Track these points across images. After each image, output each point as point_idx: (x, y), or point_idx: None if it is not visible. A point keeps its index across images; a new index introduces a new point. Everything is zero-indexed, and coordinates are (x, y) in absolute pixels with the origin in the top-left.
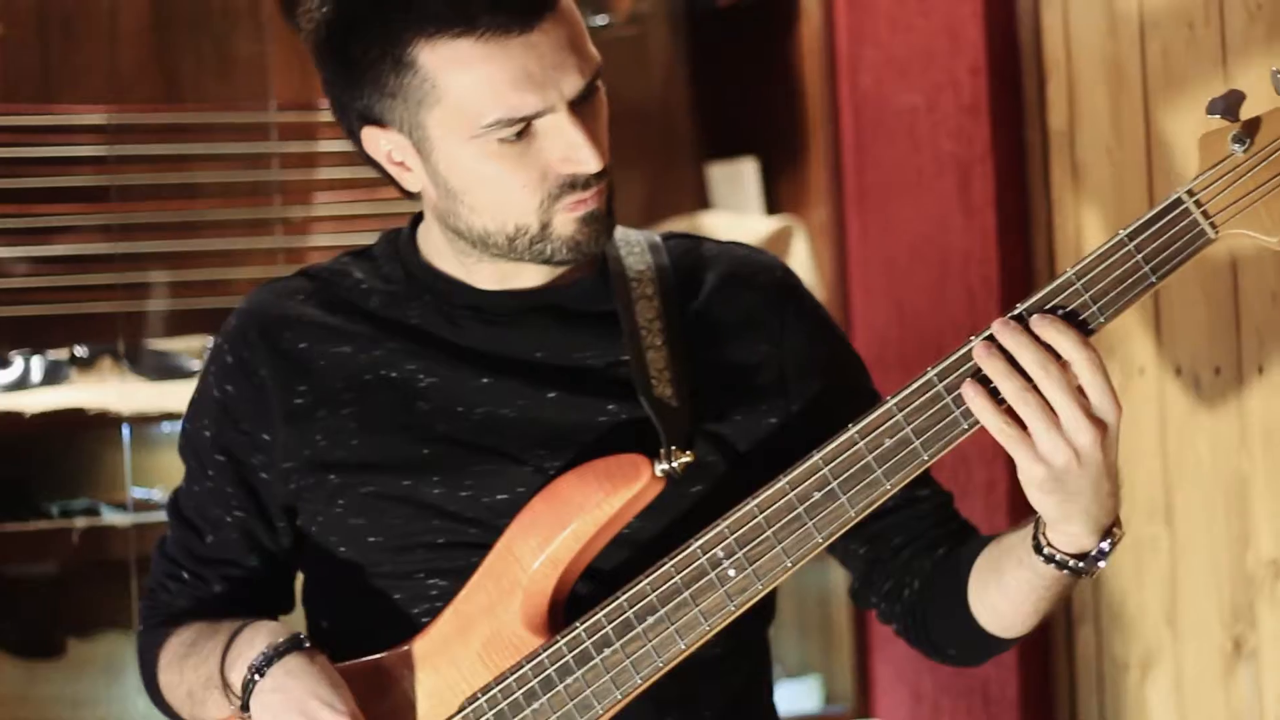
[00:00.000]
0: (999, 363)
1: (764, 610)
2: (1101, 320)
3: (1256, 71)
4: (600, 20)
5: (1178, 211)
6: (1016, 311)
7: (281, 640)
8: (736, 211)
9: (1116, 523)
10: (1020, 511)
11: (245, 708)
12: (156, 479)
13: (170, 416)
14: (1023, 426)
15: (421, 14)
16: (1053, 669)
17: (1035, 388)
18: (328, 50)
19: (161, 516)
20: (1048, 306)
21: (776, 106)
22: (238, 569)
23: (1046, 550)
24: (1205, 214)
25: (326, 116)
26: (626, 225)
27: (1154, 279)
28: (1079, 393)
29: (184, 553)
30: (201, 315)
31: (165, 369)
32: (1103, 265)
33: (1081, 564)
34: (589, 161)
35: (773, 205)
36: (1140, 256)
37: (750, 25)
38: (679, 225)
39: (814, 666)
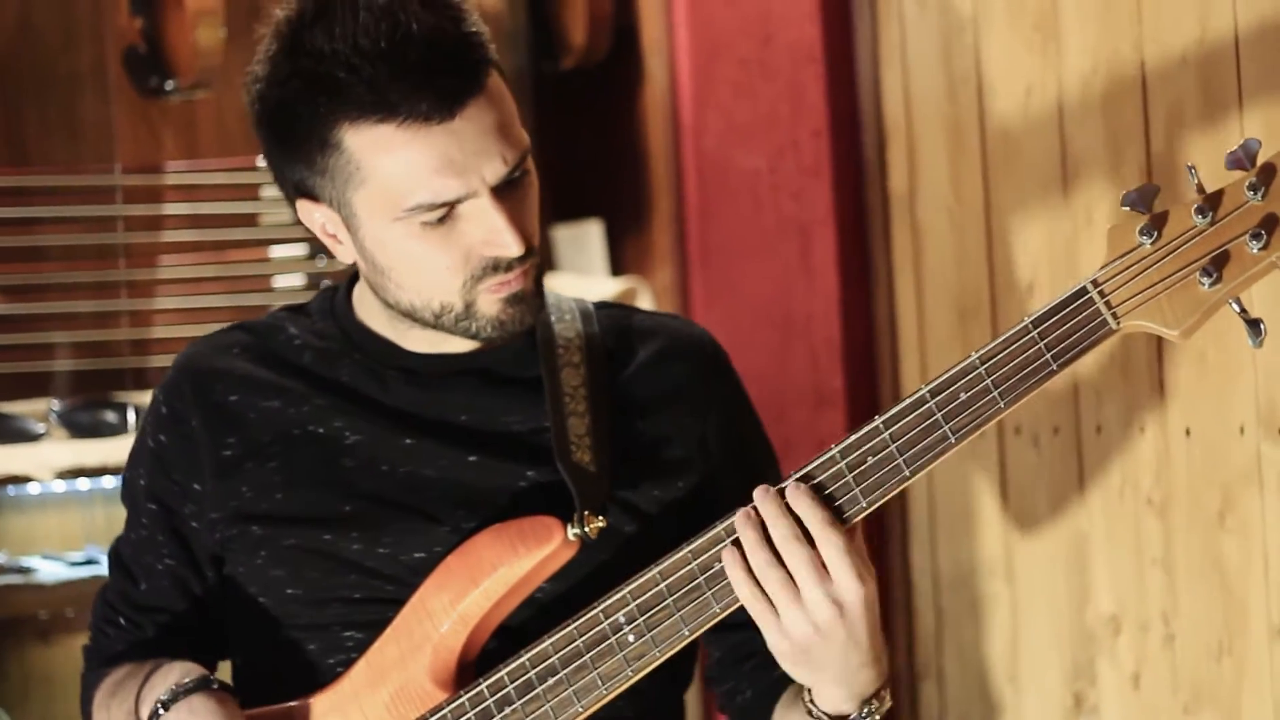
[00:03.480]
0: (753, 533)
1: (679, 675)
2: (1002, 407)
3: (1091, 135)
4: None
5: (1082, 301)
6: (922, 391)
7: (189, 679)
8: (582, 273)
9: (879, 693)
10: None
11: None
12: (1, 542)
13: (13, 480)
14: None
15: (346, 99)
16: None
17: (779, 560)
18: (262, 124)
19: (5, 580)
20: (953, 387)
21: (621, 169)
22: (170, 616)
23: (813, 710)
24: (1109, 304)
25: (172, 179)
26: None
27: (1054, 367)
28: (820, 567)
29: (121, 599)
30: (45, 378)
31: (9, 433)
32: (1006, 351)
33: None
34: (511, 246)
35: (617, 267)
36: (1043, 344)
37: (595, 88)
38: None
39: None
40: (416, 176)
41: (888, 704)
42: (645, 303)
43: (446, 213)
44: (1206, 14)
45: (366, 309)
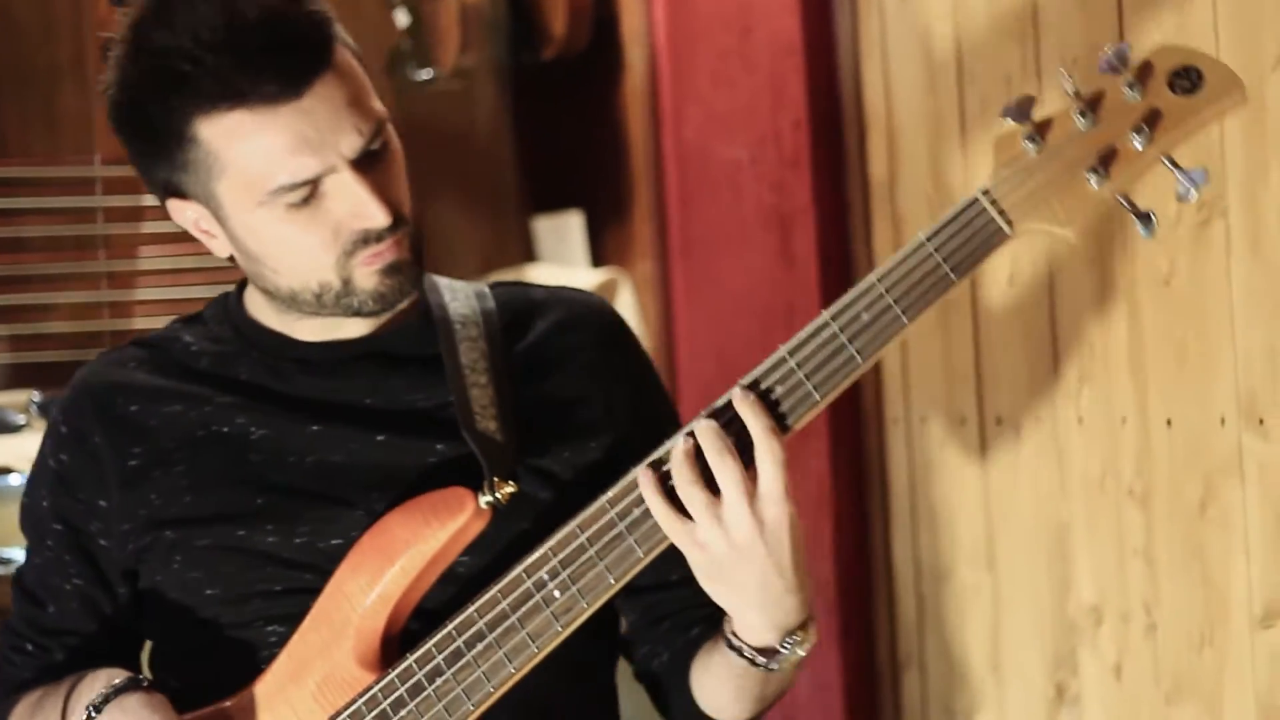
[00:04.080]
0: (680, 450)
1: (608, 649)
2: (905, 321)
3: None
4: (425, 75)
5: (974, 210)
6: (823, 318)
7: (120, 680)
8: (562, 264)
9: (804, 626)
10: (845, 560)
11: None
12: None
13: None
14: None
15: (194, 92)
16: (878, 716)
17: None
18: (123, 127)
19: None
20: (855, 308)
21: (601, 160)
22: (79, 638)
23: (733, 641)
24: (1001, 211)
25: None
26: (459, 279)
27: (954, 277)
28: (751, 485)
29: (27, 625)
30: (26, 369)
31: None
32: (904, 268)
33: (762, 658)
34: (376, 216)
35: (598, 258)
36: (940, 256)
37: (575, 79)
38: (505, 277)
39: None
40: (274, 159)
41: (813, 639)
42: (626, 293)
43: (310, 191)
44: (1185, 6)
45: (258, 307)
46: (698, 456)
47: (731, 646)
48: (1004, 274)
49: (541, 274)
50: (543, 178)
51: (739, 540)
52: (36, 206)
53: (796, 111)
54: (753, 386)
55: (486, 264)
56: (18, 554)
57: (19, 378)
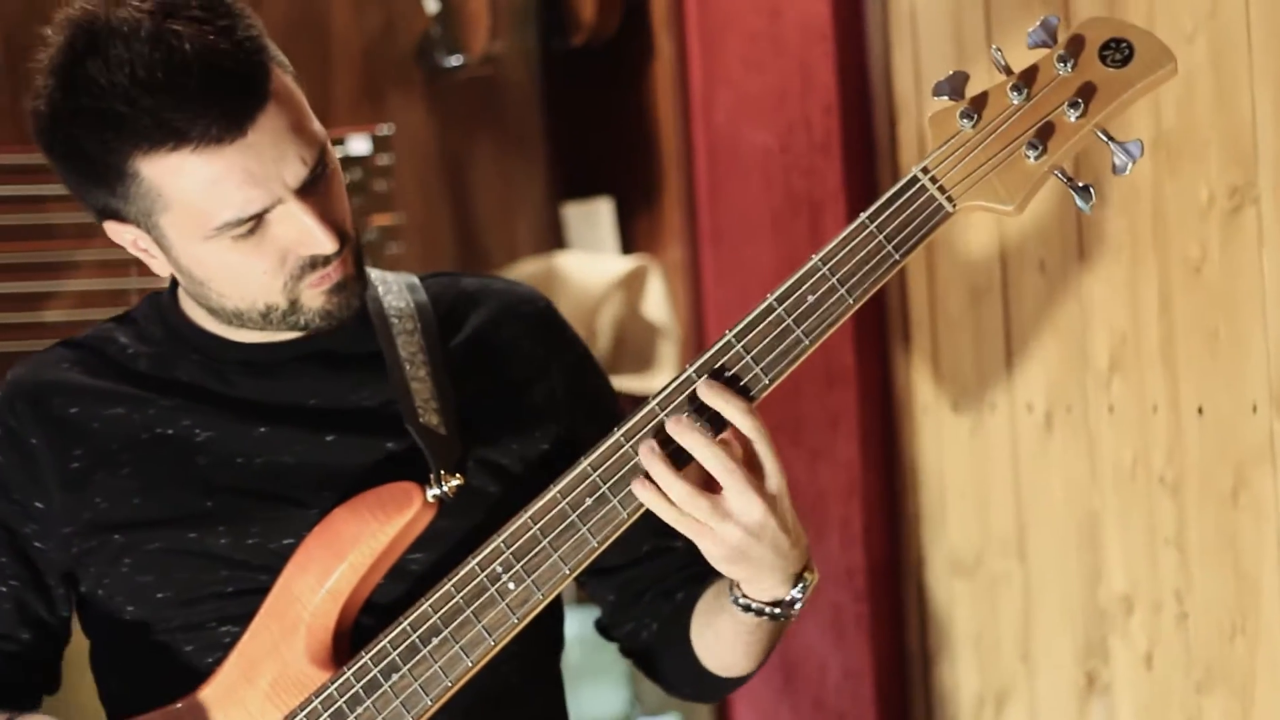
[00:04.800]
0: (661, 465)
1: (554, 641)
2: (851, 302)
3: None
4: (455, 61)
5: (915, 189)
6: (768, 302)
7: None
8: (592, 251)
9: (808, 568)
10: (875, 548)
11: None
12: None
13: None
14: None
15: (132, 132)
16: (909, 704)
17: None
18: (53, 153)
19: None
20: (799, 291)
21: (631, 146)
22: (9, 643)
23: (742, 601)
24: (941, 189)
25: None
26: (489, 266)
27: (897, 256)
28: (748, 467)
29: None
30: None
31: None
32: (847, 248)
33: (778, 610)
34: (324, 244)
35: (628, 245)
36: (883, 236)
37: (604, 65)
38: (534, 265)
39: (673, 705)
40: (219, 196)
41: (816, 576)
42: (656, 280)
43: (256, 223)
44: None
45: (194, 308)
46: (669, 449)
47: (746, 608)
48: (1035, 261)
49: (571, 261)
50: (572, 164)
51: (752, 524)
52: (65, 193)
53: (827, 97)
54: (702, 371)
55: (516, 251)
56: None
57: None
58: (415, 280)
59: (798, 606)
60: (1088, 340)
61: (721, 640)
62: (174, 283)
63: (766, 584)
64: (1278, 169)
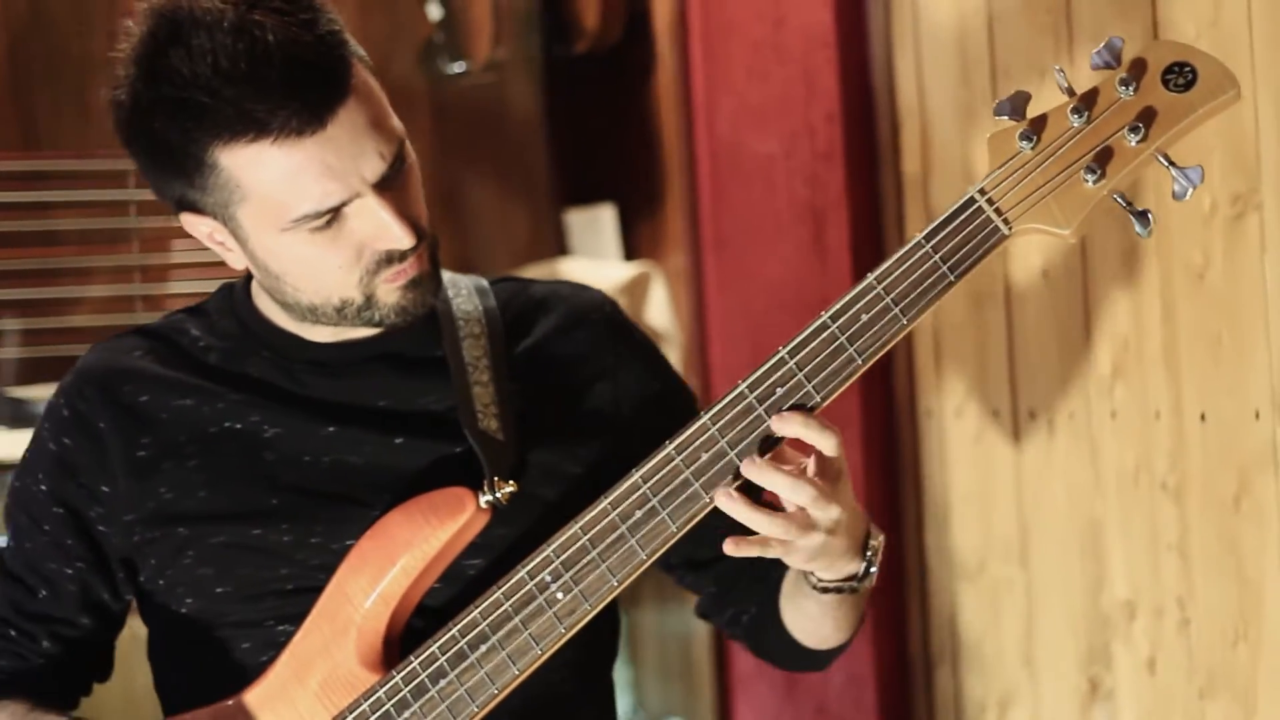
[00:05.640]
0: (741, 506)
1: (608, 649)
2: (905, 322)
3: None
4: (458, 68)
5: (971, 210)
6: (823, 318)
7: None
8: (595, 257)
9: (869, 535)
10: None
11: None
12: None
13: None
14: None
15: (214, 123)
16: (911, 710)
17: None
18: (133, 144)
19: None
20: (853, 310)
21: (634, 153)
22: (68, 627)
23: (819, 585)
24: (998, 211)
25: None
26: (491, 271)
27: (952, 278)
28: (817, 475)
29: (12, 610)
30: (59, 363)
31: (21, 417)
32: (902, 268)
33: (856, 583)
34: (401, 239)
35: (631, 251)
36: (938, 257)
37: (608, 72)
38: (537, 271)
39: (676, 709)
40: (298, 188)
41: (880, 538)
42: (659, 287)
43: (333, 216)
44: (1220, 1)
45: (267, 304)
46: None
47: (825, 590)
48: (1038, 267)
49: (574, 267)
50: (575, 171)
51: (831, 526)
52: (69, 200)
53: (829, 104)
54: (752, 387)
55: (519, 257)
56: None
57: (51, 371)
58: (485, 284)
59: (872, 571)
60: (1090, 346)
61: (810, 619)
62: (248, 276)
63: (840, 565)
64: (1279, 176)
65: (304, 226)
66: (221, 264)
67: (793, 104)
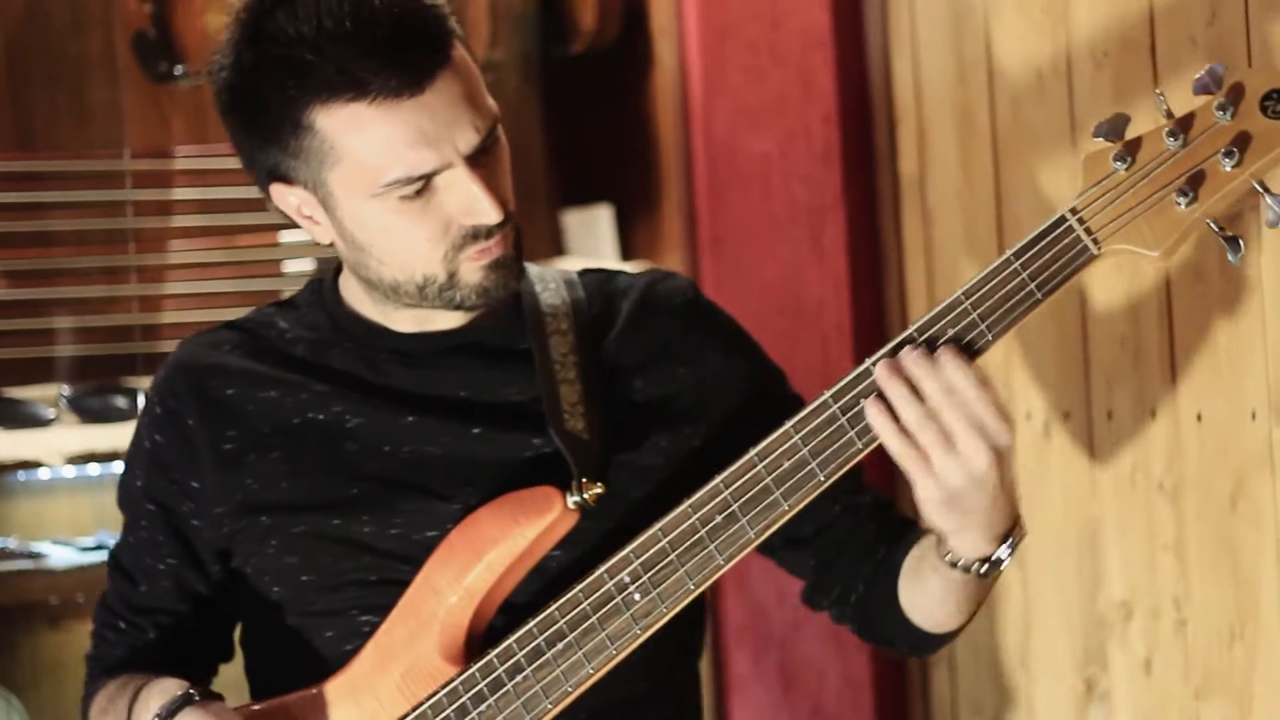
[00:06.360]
0: (901, 387)
1: (691, 647)
2: (990, 339)
3: (1101, 117)
4: None
5: (1062, 229)
6: (908, 333)
7: (174, 696)
8: (592, 258)
9: (1016, 525)
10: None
11: None
12: (11, 527)
13: (24, 465)
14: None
15: (315, 81)
16: (908, 712)
17: (933, 413)
18: (230, 112)
19: (15, 565)
20: (939, 325)
21: (631, 153)
22: (171, 617)
23: (950, 558)
24: (1088, 230)
25: (181, 164)
26: None
27: (1039, 296)
28: (975, 419)
29: (121, 603)
30: (55, 363)
31: (19, 418)
32: (990, 284)
33: (985, 566)
34: (489, 213)
35: (627, 252)
36: (1026, 274)
37: (605, 73)
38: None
39: None
40: (391, 152)
41: (1023, 533)
42: None
43: (423, 185)
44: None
45: (353, 295)
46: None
47: (954, 565)
48: None
49: (570, 268)
50: (572, 171)
51: (977, 471)
52: (66, 200)
53: (826, 105)
54: (837, 397)
55: None
56: (47, 548)
57: (48, 372)
58: (574, 277)
59: (1005, 564)
60: (1087, 347)
61: (931, 598)
62: (336, 269)
63: (973, 538)
64: (1277, 175)
65: (394, 193)
66: (219, 264)
67: (790, 105)
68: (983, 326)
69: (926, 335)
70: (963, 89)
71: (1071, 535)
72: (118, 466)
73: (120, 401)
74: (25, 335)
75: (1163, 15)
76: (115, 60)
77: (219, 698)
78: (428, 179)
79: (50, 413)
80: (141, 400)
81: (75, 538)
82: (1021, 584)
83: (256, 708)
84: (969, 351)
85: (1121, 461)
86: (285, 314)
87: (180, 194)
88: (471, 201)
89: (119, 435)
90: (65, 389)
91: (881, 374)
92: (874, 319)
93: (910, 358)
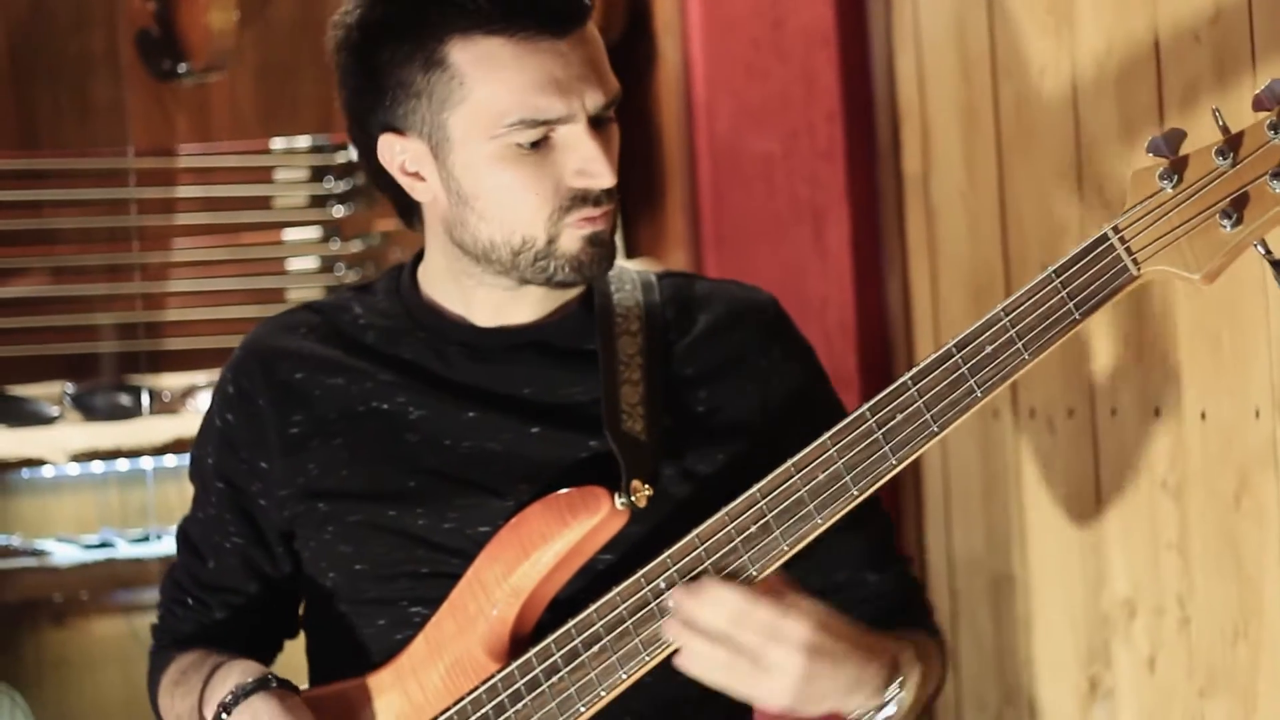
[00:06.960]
0: (696, 641)
1: None
2: (1026, 357)
3: (1105, 116)
4: None
5: (1103, 248)
6: (948, 347)
7: (249, 680)
8: None
9: (896, 669)
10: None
11: None
12: (15, 525)
13: (30, 463)
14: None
15: (461, 10)
16: None
17: (733, 644)
18: (357, 54)
19: (19, 563)
20: (978, 340)
21: (634, 151)
22: (238, 596)
23: (852, 715)
24: (1129, 250)
25: (185, 162)
26: None
27: (1078, 315)
28: (769, 629)
29: (189, 578)
30: (59, 361)
31: (23, 415)
32: (1030, 300)
33: (881, 712)
34: (603, 175)
35: (631, 249)
36: (1065, 292)
37: None
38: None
39: None
40: (521, 92)
41: (913, 672)
42: None
43: (541, 137)
44: (1220, 6)
45: (431, 283)
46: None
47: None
48: (1037, 264)
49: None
50: None
51: (800, 672)
52: (69, 198)
53: (830, 103)
54: (874, 411)
55: None
56: (50, 545)
57: (52, 370)
58: (652, 279)
59: (892, 709)
60: (1090, 344)
61: None
62: (415, 258)
63: (852, 703)
64: None
65: (513, 137)
66: (222, 262)
67: (793, 102)
68: (1019, 344)
69: (964, 349)
70: (966, 87)
71: (1075, 533)
72: (122, 464)
73: (124, 399)
74: (29, 333)
75: (1165, 10)
76: (119, 58)
77: (295, 689)
78: (547, 132)
79: (54, 410)
80: (146, 395)
81: (79, 535)
82: (1025, 581)
83: (314, 693)
84: (1006, 371)
85: (1125, 459)
86: (362, 299)
87: (184, 192)
88: (588, 161)
89: (122, 433)
90: (69, 387)
91: (672, 630)
92: (877, 317)
93: (684, 598)
